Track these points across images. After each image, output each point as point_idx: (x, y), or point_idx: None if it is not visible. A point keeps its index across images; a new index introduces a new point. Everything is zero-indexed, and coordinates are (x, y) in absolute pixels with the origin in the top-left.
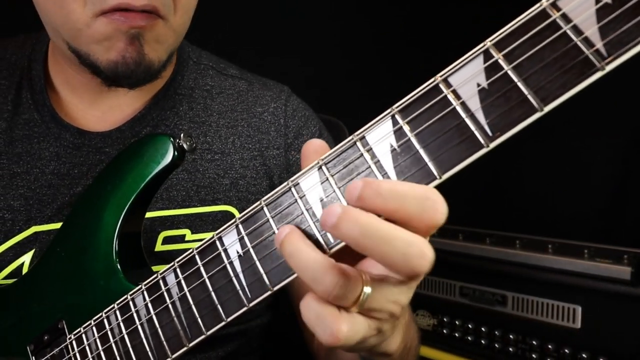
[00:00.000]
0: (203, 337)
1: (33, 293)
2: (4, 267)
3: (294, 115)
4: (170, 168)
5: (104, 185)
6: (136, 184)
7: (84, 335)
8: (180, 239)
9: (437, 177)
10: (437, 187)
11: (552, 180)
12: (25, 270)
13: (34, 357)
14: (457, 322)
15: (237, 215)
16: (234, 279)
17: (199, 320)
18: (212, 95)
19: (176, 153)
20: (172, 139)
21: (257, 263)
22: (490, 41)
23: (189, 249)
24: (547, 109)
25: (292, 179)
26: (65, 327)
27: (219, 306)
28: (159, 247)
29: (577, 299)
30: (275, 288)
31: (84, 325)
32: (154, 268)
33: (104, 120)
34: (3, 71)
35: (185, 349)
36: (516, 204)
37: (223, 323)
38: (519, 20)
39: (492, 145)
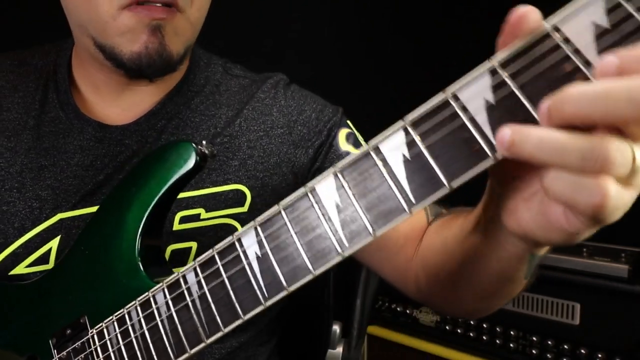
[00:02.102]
0: (221, 333)
1: (57, 289)
2: (32, 252)
3: (293, 96)
4: (192, 173)
5: (128, 188)
6: (159, 187)
7: (105, 330)
8: (196, 217)
9: (447, 186)
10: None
11: None
12: (52, 255)
13: (55, 351)
14: (459, 319)
15: (247, 191)
16: (252, 279)
17: (217, 317)
18: (220, 91)
19: (198, 158)
20: (194, 145)
21: (275, 264)
22: (497, 61)
23: (204, 226)
24: None
25: (308, 184)
26: (87, 322)
27: (236, 304)
28: (177, 226)
29: (576, 296)
30: (292, 288)
31: (106, 321)
32: (173, 246)
33: (123, 115)
34: (31, 75)
35: (203, 344)
36: None
37: (240, 321)
38: (523, 42)
39: (499, 157)
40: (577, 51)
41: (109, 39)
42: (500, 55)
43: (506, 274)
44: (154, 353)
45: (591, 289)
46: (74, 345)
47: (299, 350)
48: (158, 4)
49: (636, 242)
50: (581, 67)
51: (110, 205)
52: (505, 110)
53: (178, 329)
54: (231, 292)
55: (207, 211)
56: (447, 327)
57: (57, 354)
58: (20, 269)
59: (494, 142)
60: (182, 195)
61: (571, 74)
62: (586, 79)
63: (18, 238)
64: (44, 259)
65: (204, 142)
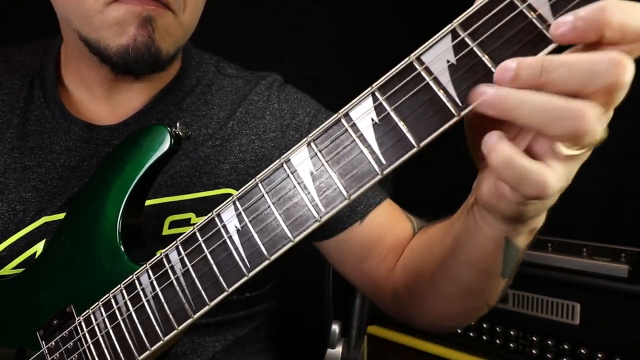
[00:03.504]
0: (207, 307)
1: (40, 282)
2: (16, 256)
3: (287, 98)
4: (168, 155)
5: (105, 175)
6: (135, 171)
7: (92, 316)
8: (186, 222)
9: (415, 145)
10: (427, 171)
11: None
12: None
13: (43, 342)
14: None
15: None
16: (233, 251)
17: (203, 292)
18: (211, 91)
19: (173, 141)
20: (168, 128)
21: (255, 235)
22: (457, 22)
23: None
24: None
25: (283, 156)
26: (73, 310)
27: (220, 278)
28: (166, 231)
29: (576, 296)
30: (273, 257)
31: (92, 307)
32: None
33: (112, 115)
34: (17, 72)
35: (190, 320)
36: None
37: (225, 293)
38: (481, 2)
39: (463, 114)
40: (530, 7)
41: (93, 32)
42: (460, 16)
43: (484, 263)
44: (142, 333)
45: (591, 289)
46: (62, 334)
47: (298, 350)
48: None
49: (636, 242)
50: (535, 22)
51: (89, 193)
52: (466, 68)
53: (165, 307)
54: (214, 267)
55: (197, 216)
56: None
57: (46, 345)
58: (6, 271)
59: (457, 100)
60: (172, 199)
61: (526, 29)
62: (540, 34)
63: (2, 242)
64: (29, 262)
65: (178, 124)
